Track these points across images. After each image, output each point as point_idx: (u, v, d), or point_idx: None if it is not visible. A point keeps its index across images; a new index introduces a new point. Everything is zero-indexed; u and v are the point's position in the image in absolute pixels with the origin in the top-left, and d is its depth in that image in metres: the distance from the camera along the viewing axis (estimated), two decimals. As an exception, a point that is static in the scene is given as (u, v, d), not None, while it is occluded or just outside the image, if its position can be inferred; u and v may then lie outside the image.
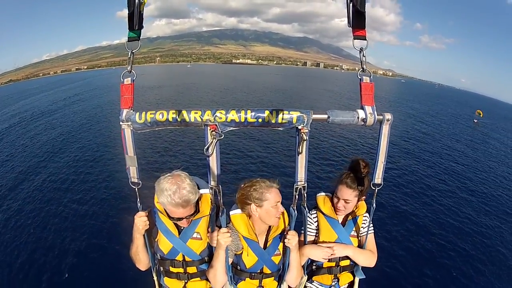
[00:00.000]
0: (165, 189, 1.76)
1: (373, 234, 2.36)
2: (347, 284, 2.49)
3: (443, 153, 22.28)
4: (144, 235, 2.03)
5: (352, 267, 2.39)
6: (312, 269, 2.41)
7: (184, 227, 2.04)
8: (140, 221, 1.96)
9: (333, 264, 2.34)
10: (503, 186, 16.57)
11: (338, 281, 2.42)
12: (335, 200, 2.30)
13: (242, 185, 1.99)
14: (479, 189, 15.48)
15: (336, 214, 2.35)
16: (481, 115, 45.05)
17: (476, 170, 18.76)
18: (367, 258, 2.29)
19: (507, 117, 69.25)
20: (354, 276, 2.44)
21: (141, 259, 2.12)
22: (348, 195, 2.20)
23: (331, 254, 2.24)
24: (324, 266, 2.36)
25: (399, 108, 49.54)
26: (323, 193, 2.46)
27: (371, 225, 2.30)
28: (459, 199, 13.63)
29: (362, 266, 2.36)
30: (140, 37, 1.62)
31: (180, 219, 1.90)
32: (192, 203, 1.83)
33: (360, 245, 2.36)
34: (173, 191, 1.74)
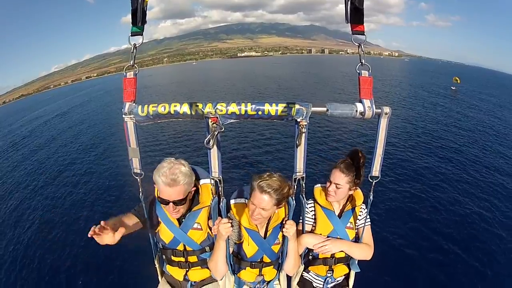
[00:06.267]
0: (160, 167, 1.85)
1: (370, 226, 2.37)
2: (343, 276, 2.52)
3: (415, 119, 22.67)
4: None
5: (347, 259, 2.42)
6: (308, 259, 2.47)
7: (184, 218, 2.09)
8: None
9: (328, 255, 2.38)
10: (482, 149, 16.67)
11: (332, 272, 2.45)
12: (327, 184, 2.31)
13: (265, 173, 1.98)
14: (460, 157, 15.23)
15: (327, 199, 2.38)
16: (458, 82, 44.80)
17: (453, 138, 18.70)
18: (363, 252, 2.31)
19: (491, 83, 69.33)
20: (350, 269, 2.48)
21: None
22: (340, 179, 2.21)
23: (326, 251, 2.28)
24: (319, 257, 2.41)
25: (385, 82, 49.84)
26: (320, 185, 2.50)
27: (368, 217, 2.32)
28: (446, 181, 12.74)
29: (358, 259, 2.39)
30: (143, 33, 1.66)
31: (167, 202, 1.91)
32: (180, 183, 1.86)
33: (357, 237, 2.38)
34: (168, 168, 1.84)
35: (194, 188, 2.08)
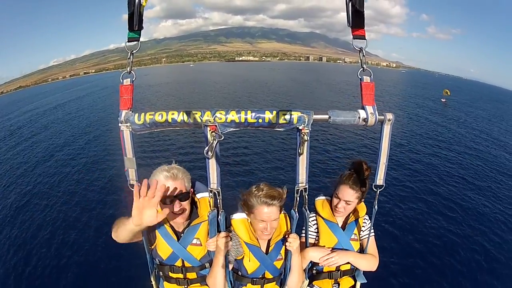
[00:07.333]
0: (158, 168, 1.88)
1: (374, 237, 2.31)
2: None
3: (399, 129, 23.08)
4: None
5: (353, 271, 2.36)
6: (312, 273, 2.39)
7: (182, 234, 2.03)
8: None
9: (333, 268, 2.32)
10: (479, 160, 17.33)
11: (338, 286, 2.39)
12: (336, 201, 2.25)
13: (250, 188, 1.96)
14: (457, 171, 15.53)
15: (335, 215, 2.32)
16: (449, 94, 46.18)
17: (444, 150, 19.14)
18: (369, 262, 2.27)
19: (484, 97, 71.65)
20: (355, 281, 2.42)
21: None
22: (350, 196, 2.17)
23: (333, 263, 2.22)
24: (324, 270, 2.34)
25: (376, 92, 50.82)
26: (322, 197, 2.45)
27: (372, 228, 2.27)
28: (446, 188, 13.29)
29: (363, 271, 2.35)
30: (140, 38, 1.63)
31: (171, 200, 1.84)
32: (180, 177, 1.87)
33: (361, 249, 2.33)
34: (166, 166, 1.88)
35: (192, 190, 2.04)
